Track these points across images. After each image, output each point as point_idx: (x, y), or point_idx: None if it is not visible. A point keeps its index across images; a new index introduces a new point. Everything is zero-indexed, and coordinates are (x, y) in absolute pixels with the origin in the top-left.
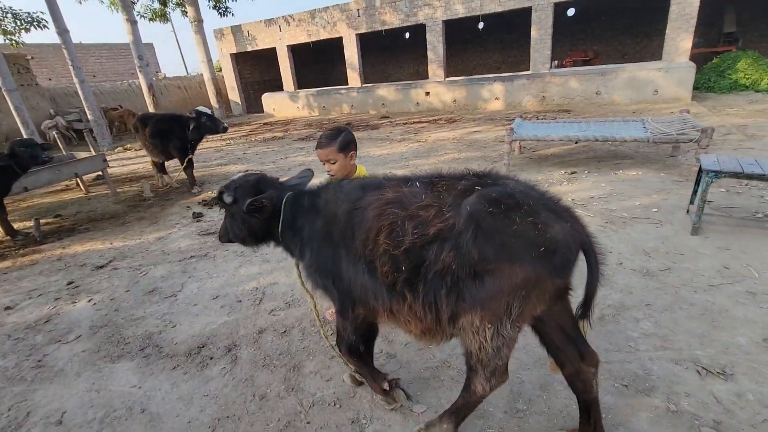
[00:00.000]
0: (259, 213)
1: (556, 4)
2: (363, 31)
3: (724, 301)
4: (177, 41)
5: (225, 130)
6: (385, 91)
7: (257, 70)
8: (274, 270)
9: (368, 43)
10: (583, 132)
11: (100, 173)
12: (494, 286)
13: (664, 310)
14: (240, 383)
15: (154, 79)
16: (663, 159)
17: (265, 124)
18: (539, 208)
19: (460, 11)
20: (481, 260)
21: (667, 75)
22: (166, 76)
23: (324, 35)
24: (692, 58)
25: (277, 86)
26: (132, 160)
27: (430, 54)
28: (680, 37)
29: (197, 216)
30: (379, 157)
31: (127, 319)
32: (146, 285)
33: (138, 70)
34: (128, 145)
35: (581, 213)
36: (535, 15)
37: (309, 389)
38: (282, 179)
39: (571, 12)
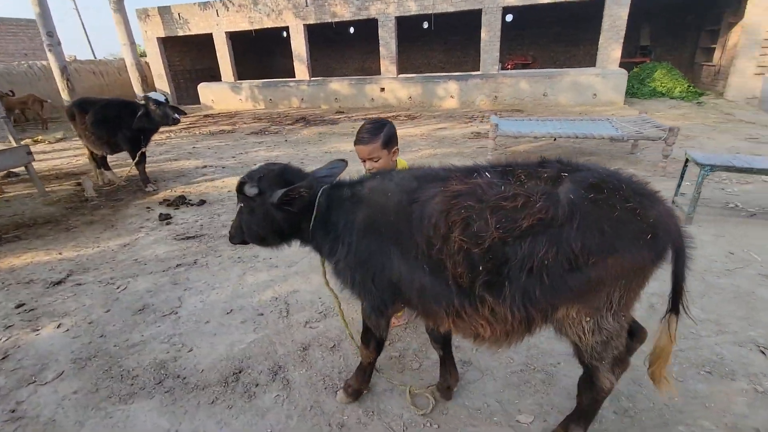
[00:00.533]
0: (292, 206)
1: (504, 8)
2: (311, 22)
3: (746, 284)
4: (81, 21)
5: (176, 122)
6: (338, 86)
7: (188, 57)
8: (287, 276)
9: (311, 34)
10: (560, 129)
11: (16, 170)
12: (595, 278)
13: (702, 295)
14: (306, 412)
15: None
16: (624, 156)
17: (206, 116)
18: (634, 192)
19: (412, 8)
20: (584, 252)
21: (604, 80)
22: (77, 58)
23: (268, 23)
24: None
25: (212, 76)
26: (49, 154)
27: (382, 50)
28: (611, 47)
29: (165, 218)
30: (351, 152)
31: (121, 346)
32: (131, 302)
33: (47, 50)
34: (39, 137)
35: None
36: (485, 18)
37: (392, 410)
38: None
39: (509, 18)
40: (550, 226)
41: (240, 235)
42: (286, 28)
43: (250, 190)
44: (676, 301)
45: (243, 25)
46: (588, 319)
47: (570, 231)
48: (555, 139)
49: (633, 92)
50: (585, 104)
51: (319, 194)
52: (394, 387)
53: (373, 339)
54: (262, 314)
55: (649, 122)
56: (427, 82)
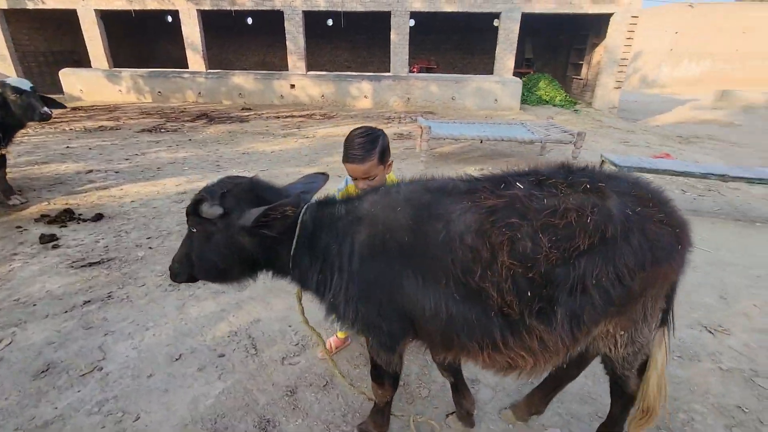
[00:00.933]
0: (272, 229)
1: (411, 12)
2: (206, 8)
3: None
4: None
5: (46, 117)
6: (242, 79)
7: (42, 36)
8: (241, 303)
9: (203, 21)
10: (486, 132)
11: None
12: (638, 291)
13: None
14: None
15: None
16: (535, 157)
17: (74, 108)
18: (659, 202)
19: (321, 4)
20: (634, 267)
21: (503, 87)
22: None
23: (152, 4)
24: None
25: (76, 60)
26: None
27: (289, 45)
28: (506, 58)
29: (49, 240)
30: (273, 153)
31: (26, 428)
32: (26, 361)
33: None
34: None
35: None
36: (394, 20)
37: None
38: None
39: (411, 23)
40: (606, 242)
41: (187, 271)
42: (175, 12)
43: (211, 211)
44: (667, 313)
45: (118, 4)
46: (623, 332)
47: (625, 247)
48: (482, 141)
49: (523, 99)
50: (488, 108)
51: (301, 213)
52: (409, 423)
53: (386, 375)
54: (223, 355)
55: (556, 127)
56: (341, 80)
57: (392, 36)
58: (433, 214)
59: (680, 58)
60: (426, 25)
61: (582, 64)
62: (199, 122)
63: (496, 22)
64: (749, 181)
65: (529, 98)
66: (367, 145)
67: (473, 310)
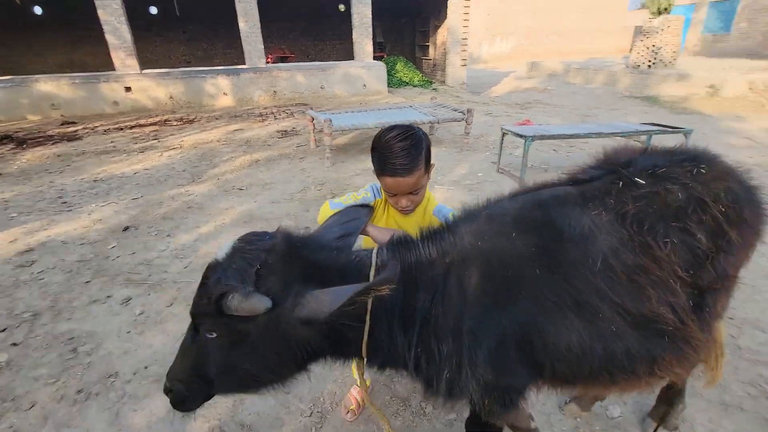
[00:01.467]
0: (349, 317)
1: None
2: None
3: None
4: None
5: None
6: (53, 86)
7: None
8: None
9: None
10: (384, 119)
11: None
12: (743, 265)
13: None
14: None
15: None
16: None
17: None
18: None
19: None
20: (755, 243)
21: (369, 72)
22: None
23: None
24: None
25: None
26: None
27: (110, 39)
28: (364, 42)
29: None
30: (138, 175)
31: None
32: None
33: None
34: None
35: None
36: (240, 6)
37: None
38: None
39: None
40: (742, 227)
41: (203, 391)
42: None
43: (249, 305)
44: None
45: None
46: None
47: (751, 226)
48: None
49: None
50: (358, 94)
51: (372, 273)
52: None
53: (491, 429)
54: None
55: (444, 106)
56: (191, 77)
57: (241, 24)
58: (566, 235)
59: (494, 36)
60: (269, 14)
61: (428, 45)
62: (3, 148)
63: (341, 7)
64: (621, 135)
65: (390, 81)
66: (413, 151)
67: (639, 340)
